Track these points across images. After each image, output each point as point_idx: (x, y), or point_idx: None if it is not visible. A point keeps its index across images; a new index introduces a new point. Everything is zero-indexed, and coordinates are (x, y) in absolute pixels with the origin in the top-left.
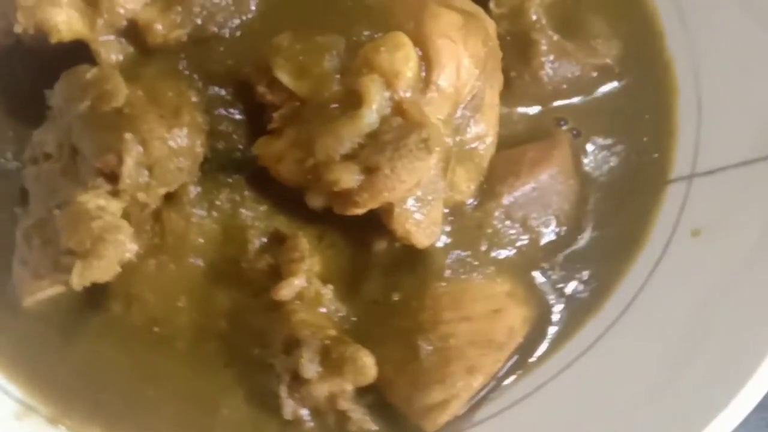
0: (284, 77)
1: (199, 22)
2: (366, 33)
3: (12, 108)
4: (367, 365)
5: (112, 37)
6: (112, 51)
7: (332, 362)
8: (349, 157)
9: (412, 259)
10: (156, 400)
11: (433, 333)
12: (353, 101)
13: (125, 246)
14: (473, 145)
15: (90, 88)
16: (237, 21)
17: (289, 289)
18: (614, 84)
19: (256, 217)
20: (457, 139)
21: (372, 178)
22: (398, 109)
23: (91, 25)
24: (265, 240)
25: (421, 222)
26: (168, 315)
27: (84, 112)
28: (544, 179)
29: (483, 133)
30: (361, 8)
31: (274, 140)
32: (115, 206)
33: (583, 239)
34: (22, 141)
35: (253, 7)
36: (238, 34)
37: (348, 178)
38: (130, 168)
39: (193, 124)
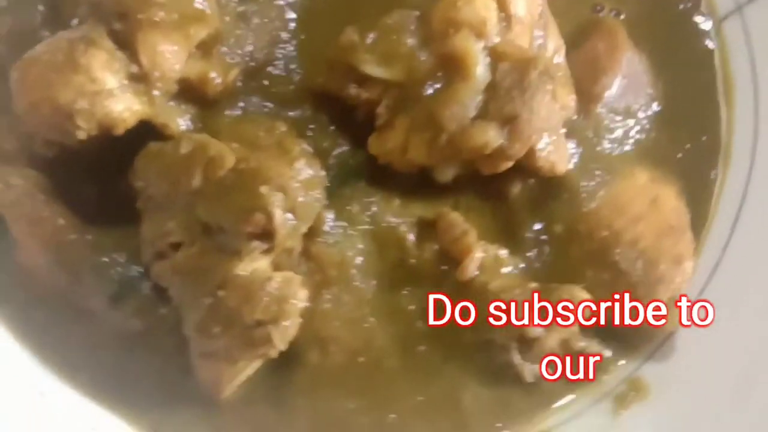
0: (374, 70)
1: (247, 52)
2: None
3: (92, 215)
4: (583, 295)
5: (171, 104)
6: (177, 118)
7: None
8: (479, 118)
9: (551, 190)
10: (401, 423)
11: (620, 245)
12: (453, 64)
13: (302, 296)
14: (556, 61)
15: (192, 163)
16: (284, 36)
17: (473, 265)
18: None
19: (396, 214)
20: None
21: (516, 127)
22: (498, 54)
23: (149, 100)
24: (415, 231)
25: (559, 149)
26: (366, 341)
27: (200, 187)
28: (625, 65)
29: (558, 46)
30: None
31: (388, 134)
32: (266, 262)
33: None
34: (123, 243)
35: (292, 16)
36: (290, 49)
37: (494, 135)
38: (281, 218)
39: (303, 152)
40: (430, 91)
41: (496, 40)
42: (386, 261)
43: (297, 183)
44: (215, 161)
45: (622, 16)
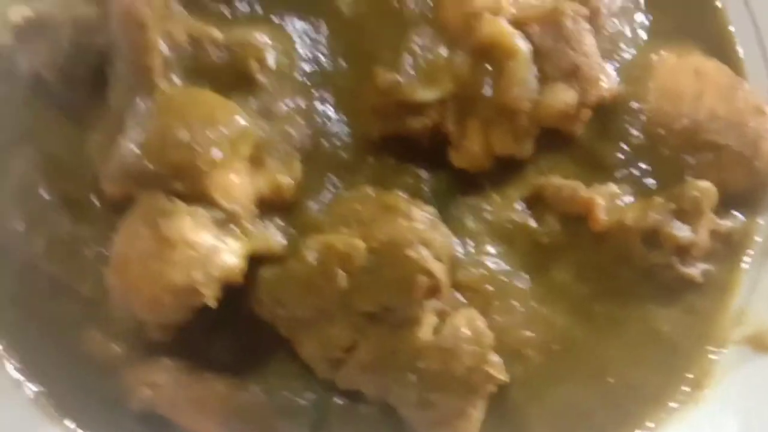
0: (425, 95)
1: (294, 141)
2: (418, 3)
3: (241, 364)
4: (703, 183)
5: (263, 228)
6: (276, 237)
7: (687, 214)
8: (544, 84)
9: (609, 112)
10: (622, 380)
11: (702, 125)
12: (492, 51)
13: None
14: None
15: (328, 267)
16: (317, 108)
17: (601, 212)
18: None
19: (503, 207)
20: None
21: (582, 76)
22: (522, 22)
23: (247, 235)
24: (529, 213)
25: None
26: (549, 329)
27: (347, 283)
28: None
29: None
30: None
31: (467, 143)
32: (434, 315)
33: None
34: (285, 375)
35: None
36: (330, 117)
37: (568, 94)
38: (440, 269)
39: (407, 200)
40: (485, 86)
41: (513, 10)
42: (522, 252)
43: (426, 230)
44: (350, 255)
45: None
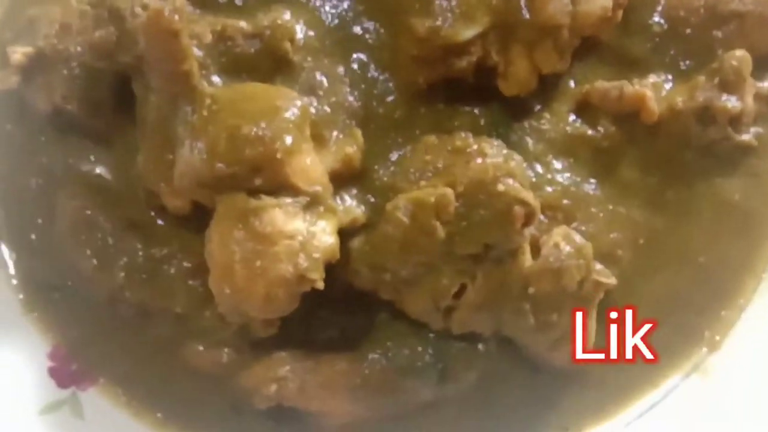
0: (467, 33)
1: (346, 107)
2: None
3: (353, 336)
4: (743, 54)
5: (342, 203)
6: (357, 209)
7: (730, 85)
8: None
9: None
10: (711, 255)
11: None
12: None
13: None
14: None
15: (423, 221)
16: (369, 73)
17: (653, 104)
18: None
19: (557, 121)
20: None
21: None
22: None
23: (333, 212)
24: (582, 120)
25: None
26: (632, 226)
27: (445, 233)
28: None
29: None
30: None
31: (514, 70)
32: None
33: None
34: (398, 334)
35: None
36: (371, 73)
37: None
38: (531, 197)
39: (474, 139)
40: (520, 10)
41: None
42: (587, 160)
43: (506, 161)
44: (442, 204)
45: None
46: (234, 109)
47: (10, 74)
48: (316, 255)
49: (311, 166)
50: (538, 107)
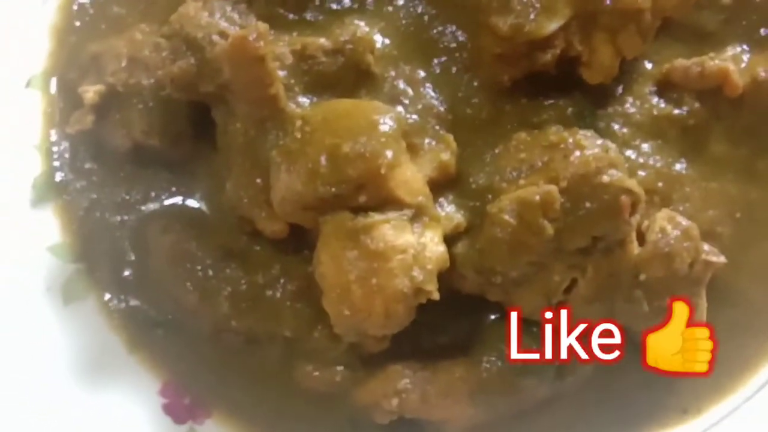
0: (551, 26)
1: (434, 111)
2: None
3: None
4: None
5: (442, 210)
6: (458, 214)
7: None
8: None
9: None
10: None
11: None
12: None
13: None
14: None
15: (531, 222)
16: (451, 76)
17: (736, 78)
18: None
19: (641, 102)
20: None
21: None
22: None
23: (437, 222)
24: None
25: None
26: (725, 200)
27: (553, 229)
28: None
29: None
30: None
31: (598, 57)
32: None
33: None
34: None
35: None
36: (453, 72)
37: None
38: (634, 184)
39: (567, 131)
40: None
41: None
42: (675, 139)
43: (606, 151)
44: (547, 202)
45: None
46: (329, 128)
47: (85, 114)
48: (430, 266)
49: (412, 178)
50: (620, 91)
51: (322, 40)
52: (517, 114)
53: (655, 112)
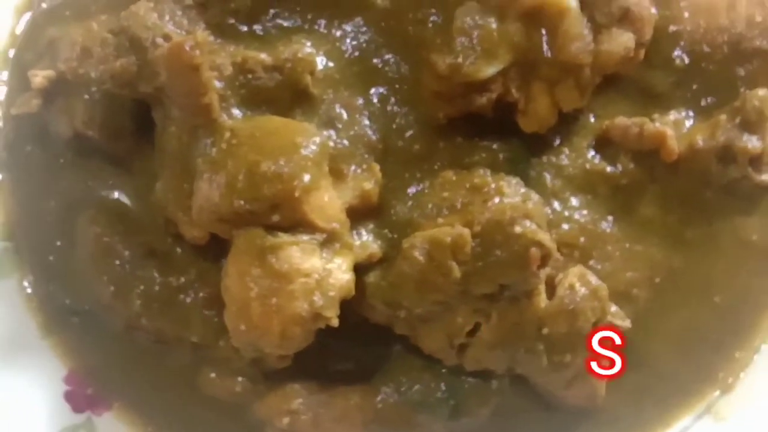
0: (489, 70)
1: (365, 140)
2: None
3: (363, 368)
4: (766, 94)
5: (358, 237)
6: (373, 244)
7: (752, 124)
8: (599, 33)
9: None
10: (727, 293)
11: (743, 34)
12: (541, 12)
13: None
14: None
15: (438, 262)
16: (388, 106)
17: (674, 143)
18: None
19: (576, 156)
20: None
21: (635, 17)
22: None
23: (349, 248)
24: (601, 156)
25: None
26: (649, 263)
27: (461, 272)
28: None
29: None
30: None
31: (534, 107)
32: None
33: None
34: (413, 371)
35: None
36: (392, 109)
37: (625, 38)
38: (548, 239)
39: (493, 176)
40: (542, 47)
41: None
42: (605, 197)
43: (524, 201)
44: (459, 245)
45: None
46: (254, 144)
47: (31, 97)
48: (332, 293)
49: (329, 203)
50: (557, 142)
51: (263, 56)
52: (450, 152)
53: (589, 167)
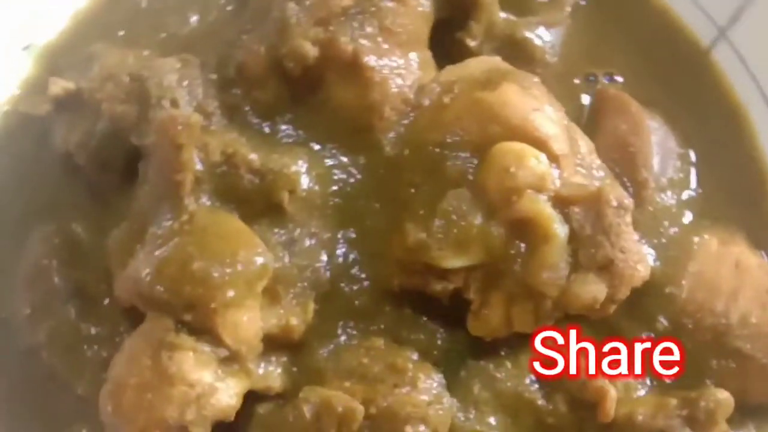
0: (454, 262)
1: (312, 280)
2: (460, 160)
3: None
4: (722, 396)
5: (263, 365)
6: (274, 375)
7: (699, 423)
8: (574, 272)
9: (640, 294)
10: None
11: (732, 328)
12: (528, 228)
13: None
14: (596, 163)
15: (323, 426)
16: (339, 250)
17: (612, 405)
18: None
19: (514, 375)
20: (585, 171)
21: (616, 272)
22: (564, 201)
23: (247, 374)
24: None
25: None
26: None
27: None
28: (654, 137)
29: (590, 146)
30: (428, 152)
31: (487, 313)
32: None
33: None
34: None
35: (339, 229)
36: (351, 258)
37: (598, 288)
38: None
39: (416, 366)
40: (515, 261)
41: (558, 184)
42: (525, 427)
43: (429, 404)
44: (347, 417)
45: (618, 79)
46: (201, 239)
47: (43, 101)
48: (206, 412)
49: (246, 324)
50: (503, 352)
51: (252, 156)
52: (392, 319)
53: (522, 391)
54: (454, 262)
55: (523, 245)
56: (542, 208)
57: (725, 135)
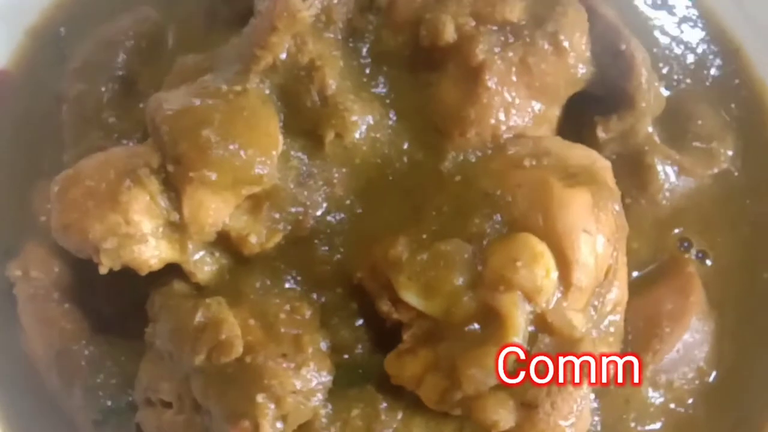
0: (412, 299)
1: (297, 216)
2: (490, 221)
3: (102, 328)
4: None
5: (203, 253)
6: (205, 267)
7: None
8: (500, 389)
9: None
10: None
11: None
12: (493, 321)
13: None
14: (611, 318)
15: (201, 339)
16: (338, 211)
17: None
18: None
19: (395, 429)
20: (595, 318)
21: (532, 418)
22: (543, 325)
23: (182, 248)
24: None
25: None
26: None
27: (201, 366)
28: (686, 338)
29: (619, 299)
30: (474, 193)
31: (408, 361)
32: None
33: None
34: (122, 368)
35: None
36: (341, 226)
37: (506, 417)
38: (267, 430)
39: (317, 354)
40: (462, 338)
41: (548, 307)
42: None
43: (296, 393)
44: (223, 347)
45: (708, 262)
46: (232, 115)
47: None
48: (123, 253)
49: (210, 210)
50: (402, 401)
51: (332, 82)
52: (334, 302)
53: None
54: (411, 298)
55: (477, 326)
56: (516, 315)
57: None
